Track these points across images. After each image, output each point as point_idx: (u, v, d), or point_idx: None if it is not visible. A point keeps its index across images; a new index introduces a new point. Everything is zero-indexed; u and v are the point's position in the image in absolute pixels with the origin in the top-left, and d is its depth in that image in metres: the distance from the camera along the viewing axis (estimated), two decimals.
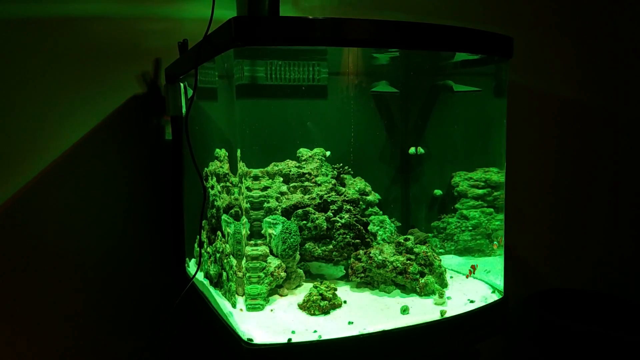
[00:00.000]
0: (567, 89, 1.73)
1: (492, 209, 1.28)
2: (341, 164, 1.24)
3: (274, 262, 1.00)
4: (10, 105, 1.11)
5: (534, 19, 1.66)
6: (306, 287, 1.03)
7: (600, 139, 1.78)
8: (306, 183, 1.19)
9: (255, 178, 0.92)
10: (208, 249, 1.10)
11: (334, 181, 1.20)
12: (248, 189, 0.89)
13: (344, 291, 1.04)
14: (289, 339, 0.82)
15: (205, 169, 1.11)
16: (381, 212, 1.26)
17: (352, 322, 0.89)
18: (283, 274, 1.00)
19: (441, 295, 0.99)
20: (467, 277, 1.12)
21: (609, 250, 1.83)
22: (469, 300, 1.01)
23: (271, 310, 0.95)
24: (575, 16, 1.70)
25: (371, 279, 1.06)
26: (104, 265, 1.23)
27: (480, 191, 1.30)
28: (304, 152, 1.25)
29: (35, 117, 1.14)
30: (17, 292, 1.14)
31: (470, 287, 1.09)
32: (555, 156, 1.74)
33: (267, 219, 1.05)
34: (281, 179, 1.19)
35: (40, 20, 1.13)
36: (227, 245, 0.99)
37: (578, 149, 1.76)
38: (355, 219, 1.11)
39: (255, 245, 0.92)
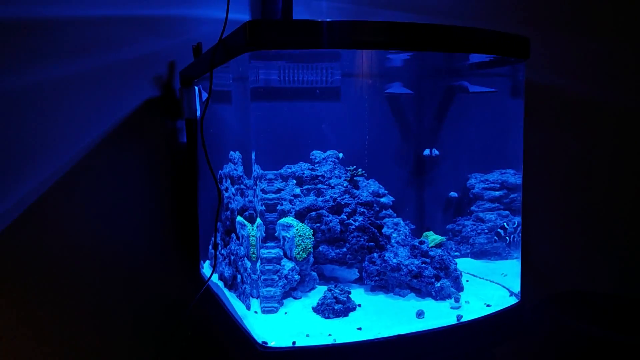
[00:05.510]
0: (585, 89, 1.69)
1: (508, 212, 1.26)
2: (355, 166, 1.24)
3: (288, 265, 0.99)
4: (25, 108, 1.13)
5: (551, 18, 1.63)
6: (320, 290, 1.02)
7: (619, 140, 1.74)
8: (320, 185, 1.18)
9: (269, 180, 0.92)
10: (222, 251, 1.11)
11: (347, 183, 1.20)
12: (263, 191, 0.89)
13: (358, 294, 1.03)
14: (293, 342, 0.82)
15: (220, 171, 1.12)
16: (395, 215, 1.25)
17: (361, 328, 0.88)
18: (297, 277, 1.00)
19: (457, 300, 0.98)
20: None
21: (627, 252, 1.79)
22: (485, 304, 0.99)
23: (285, 313, 0.94)
24: (594, 14, 1.67)
25: (385, 282, 1.05)
26: (118, 267, 1.25)
27: (497, 193, 1.28)
28: (317, 154, 1.25)
29: (51, 120, 1.15)
30: (32, 293, 1.16)
31: (486, 291, 1.07)
32: (573, 157, 1.71)
33: (280, 221, 1.05)
34: (294, 181, 1.19)
35: (56, 21, 1.15)
36: (242, 248, 0.99)
37: (597, 149, 1.73)
38: (369, 221, 1.10)
39: (269, 247, 0.92)
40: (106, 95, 1.21)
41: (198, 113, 1.20)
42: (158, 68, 1.26)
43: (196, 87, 1.19)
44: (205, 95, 1.17)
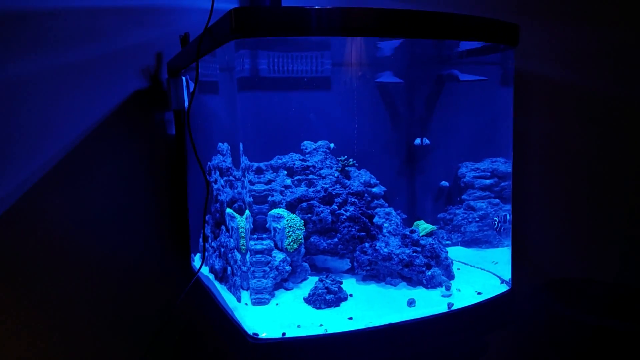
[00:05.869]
0: (574, 76, 1.70)
1: (499, 200, 1.27)
2: (346, 156, 1.23)
3: (279, 256, 0.99)
4: (11, 101, 1.11)
5: (540, 5, 1.63)
6: (312, 281, 1.02)
7: (612, 128, 1.75)
8: (310, 176, 1.18)
9: (259, 171, 0.91)
10: (213, 244, 1.10)
11: (338, 174, 1.19)
12: (251, 182, 0.88)
13: (349, 284, 1.03)
14: (283, 333, 0.82)
15: (209, 163, 1.10)
16: (387, 204, 1.25)
17: (352, 318, 0.88)
18: (288, 268, 1.00)
19: (448, 288, 0.98)
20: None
21: (621, 240, 1.80)
22: (476, 292, 1.00)
23: (277, 304, 0.94)
24: (583, 1, 1.67)
25: (377, 272, 1.05)
26: (108, 261, 1.24)
27: (487, 182, 1.28)
28: (308, 144, 1.24)
29: (36, 112, 1.14)
30: (21, 289, 1.15)
31: (477, 278, 1.08)
32: (563, 145, 1.71)
33: (271, 212, 1.05)
34: (285, 172, 1.18)
35: (42, 13, 1.12)
36: (232, 240, 0.98)
37: (586, 137, 1.73)
38: (360, 211, 1.10)
39: (260, 239, 0.91)
40: (93, 87, 1.19)
41: (186, 104, 1.18)
42: (145, 59, 1.24)
43: (184, 78, 1.18)
44: (192, 86, 1.15)
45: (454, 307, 0.92)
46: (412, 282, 1.03)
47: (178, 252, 1.29)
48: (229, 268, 0.99)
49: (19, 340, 1.15)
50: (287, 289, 1.01)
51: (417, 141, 1.33)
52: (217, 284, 1.05)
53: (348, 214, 1.08)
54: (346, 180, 1.18)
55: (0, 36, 1.09)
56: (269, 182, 1.14)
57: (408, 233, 1.08)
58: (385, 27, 0.83)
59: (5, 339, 1.13)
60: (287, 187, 1.15)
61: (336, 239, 1.07)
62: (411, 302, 0.93)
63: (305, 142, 1.24)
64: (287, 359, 0.82)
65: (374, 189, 1.24)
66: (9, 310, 1.14)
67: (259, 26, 0.75)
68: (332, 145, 1.25)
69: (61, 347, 1.20)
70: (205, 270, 1.12)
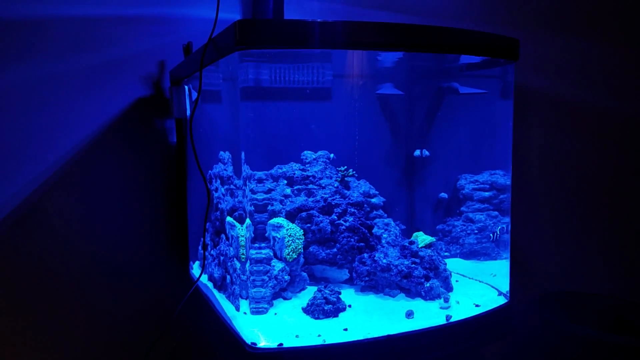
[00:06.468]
0: (573, 91, 1.71)
1: (497, 212, 1.27)
2: (346, 167, 1.24)
3: (278, 266, 0.99)
4: (14, 107, 1.12)
5: (540, 20, 1.65)
6: (310, 291, 1.02)
7: (606, 141, 1.76)
8: (310, 186, 1.18)
9: (259, 181, 0.92)
10: (212, 252, 1.10)
11: (338, 184, 1.20)
12: (252, 191, 0.88)
13: (348, 295, 1.03)
14: (280, 343, 0.82)
15: (210, 171, 1.11)
16: (386, 215, 1.25)
17: (347, 329, 0.88)
18: (287, 277, 1.00)
19: (446, 300, 0.98)
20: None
21: (617, 253, 1.81)
22: (474, 304, 1.00)
23: (275, 313, 0.94)
24: (581, 16, 1.69)
25: (376, 283, 1.05)
26: (107, 268, 1.23)
27: (486, 194, 1.29)
28: (308, 154, 1.25)
29: (39, 119, 1.14)
30: (19, 295, 1.15)
31: (475, 291, 1.08)
32: (562, 158, 1.72)
33: (271, 221, 1.05)
34: (285, 181, 1.19)
35: (44, 21, 1.13)
36: (231, 248, 0.99)
37: (584, 151, 1.75)
38: (359, 222, 1.10)
39: (259, 248, 0.92)
40: (96, 94, 1.20)
41: (188, 112, 1.19)
42: (148, 67, 1.25)
43: (186, 87, 1.19)
44: (195, 95, 1.16)
45: (452, 320, 0.93)
46: (411, 293, 1.03)
47: (177, 260, 1.29)
48: (228, 277, 0.99)
49: (16, 343, 1.14)
50: (285, 299, 1.01)
51: (417, 152, 1.34)
52: (215, 292, 1.05)
53: (347, 224, 1.09)
54: (346, 191, 1.19)
55: (5, 43, 1.10)
56: (269, 191, 1.14)
57: (407, 244, 1.08)
58: (387, 41, 0.84)
59: (4, 340, 1.13)
60: (287, 196, 1.16)
61: (335, 249, 1.08)
62: (409, 314, 0.94)
63: (305, 152, 1.25)
64: None
65: (373, 200, 1.25)
66: (8, 312, 1.13)
67: (263, 38, 0.76)
68: (332, 155, 1.26)
69: (58, 354, 1.19)
70: (204, 278, 1.12)
